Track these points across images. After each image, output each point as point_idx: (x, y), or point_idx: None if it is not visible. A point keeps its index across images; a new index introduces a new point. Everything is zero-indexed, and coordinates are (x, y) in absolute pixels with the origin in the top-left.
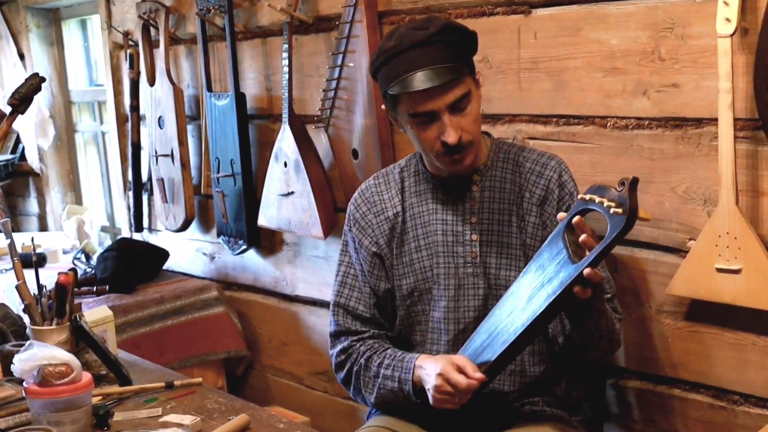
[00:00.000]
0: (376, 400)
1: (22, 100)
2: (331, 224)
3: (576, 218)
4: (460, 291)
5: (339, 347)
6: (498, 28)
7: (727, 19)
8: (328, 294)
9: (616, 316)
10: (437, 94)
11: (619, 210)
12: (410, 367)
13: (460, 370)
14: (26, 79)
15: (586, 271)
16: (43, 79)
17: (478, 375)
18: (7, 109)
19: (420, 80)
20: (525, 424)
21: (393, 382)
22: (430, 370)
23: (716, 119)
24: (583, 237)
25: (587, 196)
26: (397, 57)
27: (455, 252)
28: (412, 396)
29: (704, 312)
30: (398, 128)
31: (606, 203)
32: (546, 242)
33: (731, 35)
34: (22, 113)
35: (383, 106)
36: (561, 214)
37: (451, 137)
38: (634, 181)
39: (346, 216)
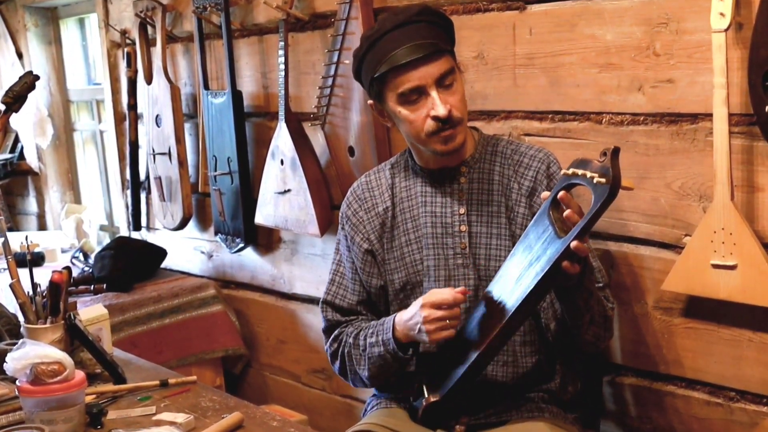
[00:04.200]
0: (370, 373)
1: (16, 98)
2: (328, 222)
3: (561, 193)
4: (450, 282)
5: (330, 338)
6: (493, 25)
7: (722, 14)
8: None
9: (608, 304)
10: (423, 69)
11: (602, 180)
12: (389, 326)
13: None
14: (20, 77)
15: (573, 243)
16: (37, 77)
17: (460, 288)
18: (2, 108)
19: (405, 54)
20: (521, 420)
21: (379, 347)
22: (410, 313)
23: (711, 114)
24: (567, 212)
25: (570, 171)
26: (381, 39)
27: (445, 243)
28: (399, 353)
29: (700, 308)
30: (386, 122)
31: (589, 175)
32: (531, 222)
33: (726, 30)
34: (16, 111)
35: (369, 101)
36: (545, 193)
37: (441, 109)
38: (616, 150)
39: (340, 215)
